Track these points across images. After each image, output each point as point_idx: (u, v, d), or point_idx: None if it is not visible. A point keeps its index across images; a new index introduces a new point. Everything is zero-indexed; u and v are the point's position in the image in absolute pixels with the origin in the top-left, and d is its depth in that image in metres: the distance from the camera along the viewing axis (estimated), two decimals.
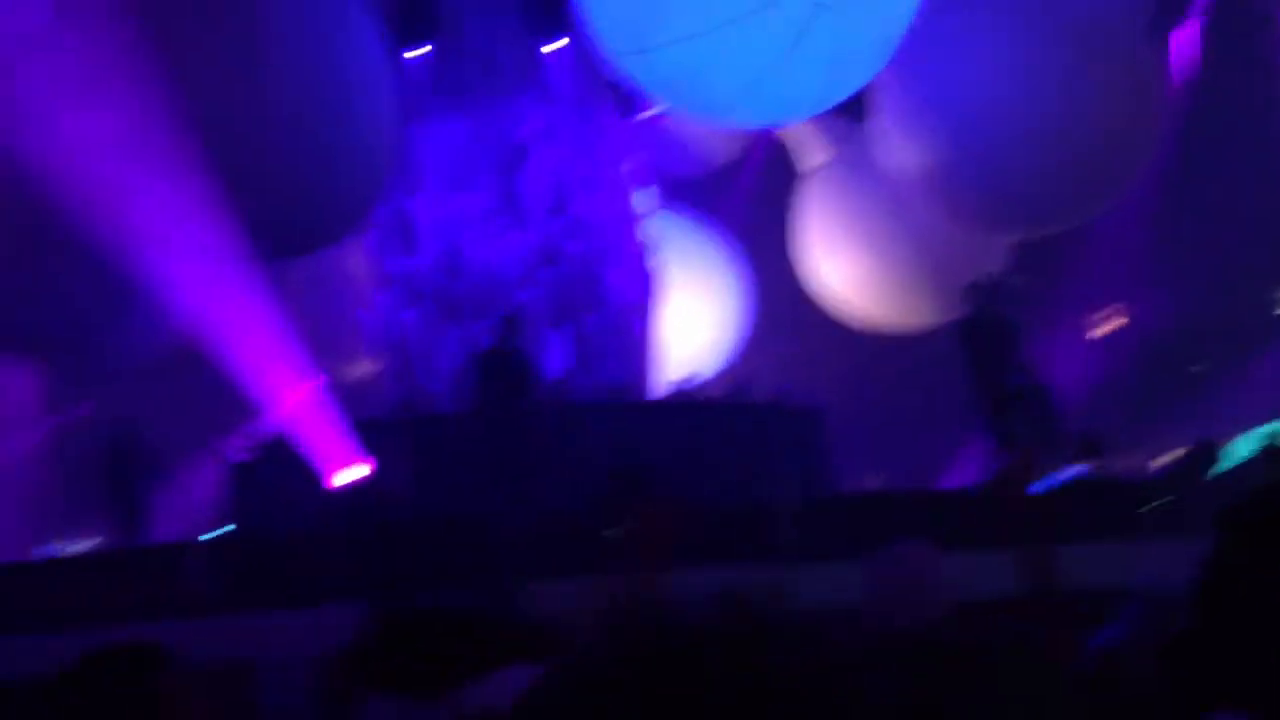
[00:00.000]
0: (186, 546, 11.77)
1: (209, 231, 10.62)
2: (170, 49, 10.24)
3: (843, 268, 17.73)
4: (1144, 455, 17.17)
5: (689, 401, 16.31)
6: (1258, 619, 1.53)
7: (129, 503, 14.14)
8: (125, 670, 2.50)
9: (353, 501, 12.54)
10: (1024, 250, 16.89)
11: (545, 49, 15.92)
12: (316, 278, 17.31)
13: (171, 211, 10.39)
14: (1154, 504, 10.44)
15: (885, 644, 0.75)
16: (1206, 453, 12.32)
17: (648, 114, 17.23)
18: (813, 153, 18.44)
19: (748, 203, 20.73)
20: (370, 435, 13.30)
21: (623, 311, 15.87)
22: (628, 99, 16.20)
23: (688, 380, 17.07)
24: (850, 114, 15.80)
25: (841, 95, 12.50)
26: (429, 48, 15.78)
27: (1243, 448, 13.52)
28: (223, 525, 14.36)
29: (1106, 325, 21.78)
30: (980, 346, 12.00)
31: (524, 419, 12.57)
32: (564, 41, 15.66)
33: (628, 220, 16.42)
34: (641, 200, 16.76)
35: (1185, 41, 17.94)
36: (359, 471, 13.04)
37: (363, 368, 17.11)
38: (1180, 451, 13.75)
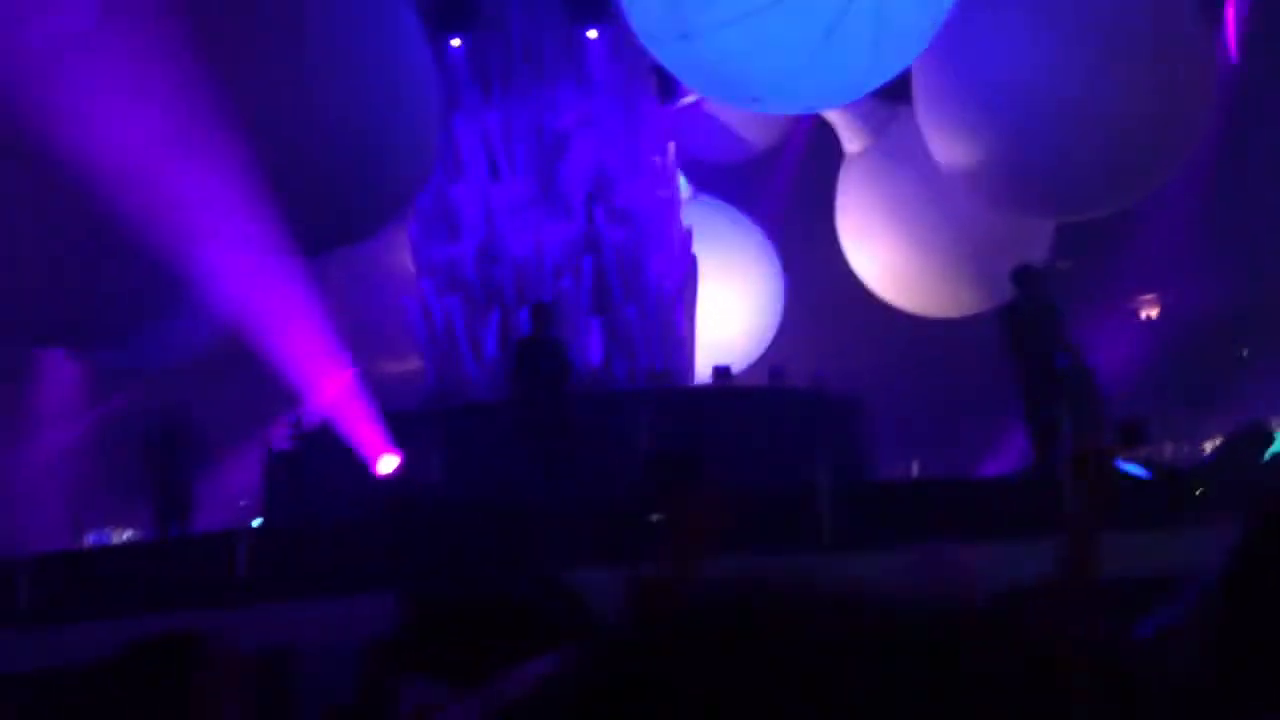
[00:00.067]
0: (228, 535, 11.86)
1: (252, 223, 10.67)
2: (214, 42, 10.29)
3: (882, 254, 17.63)
4: (1190, 439, 17.02)
5: (727, 389, 16.28)
6: None
7: (175, 489, 14.26)
8: (167, 659, 2.50)
9: (393, 490, 12.60)
10: (1069, 234, 16.75)
11: (585, 36, 15.92)
12: (359, 271, 17.37)
13: (216, 205, 10.45)
14: (1203, 488, 10.32)
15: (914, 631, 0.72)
16: (1258, 435, 12.13)
17: (687, 101, 17.19)
18: (851, 139, 18.33)
19: (786, 190, 20.65)
20: (409, 424, 13.36)
21: (662, 299, 15.86)
22: (667, 86, 16.17)
23: (725, 367, 17.03)
24: (890, 99, 15.70)
25: (880, 80, 12.41)
26: (470, 36, 15.80)
27: None
28: (263, 514, 14.47)
29: (1152, 309, 21.58)
30: (1024, 331, 11.89)
31: (562, 406, 12.58)
32: (603, 29, 15.65)
33: (667, 208, 16.41)
34: (680, 188, 16.74)
35: (1232, 25, 17.71)
36: (399, 460, 13.11)
37: (406, 362, 17.18)
38: (1227, 435, 13.59)
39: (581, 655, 0.72)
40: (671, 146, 16.78)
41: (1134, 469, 10.27)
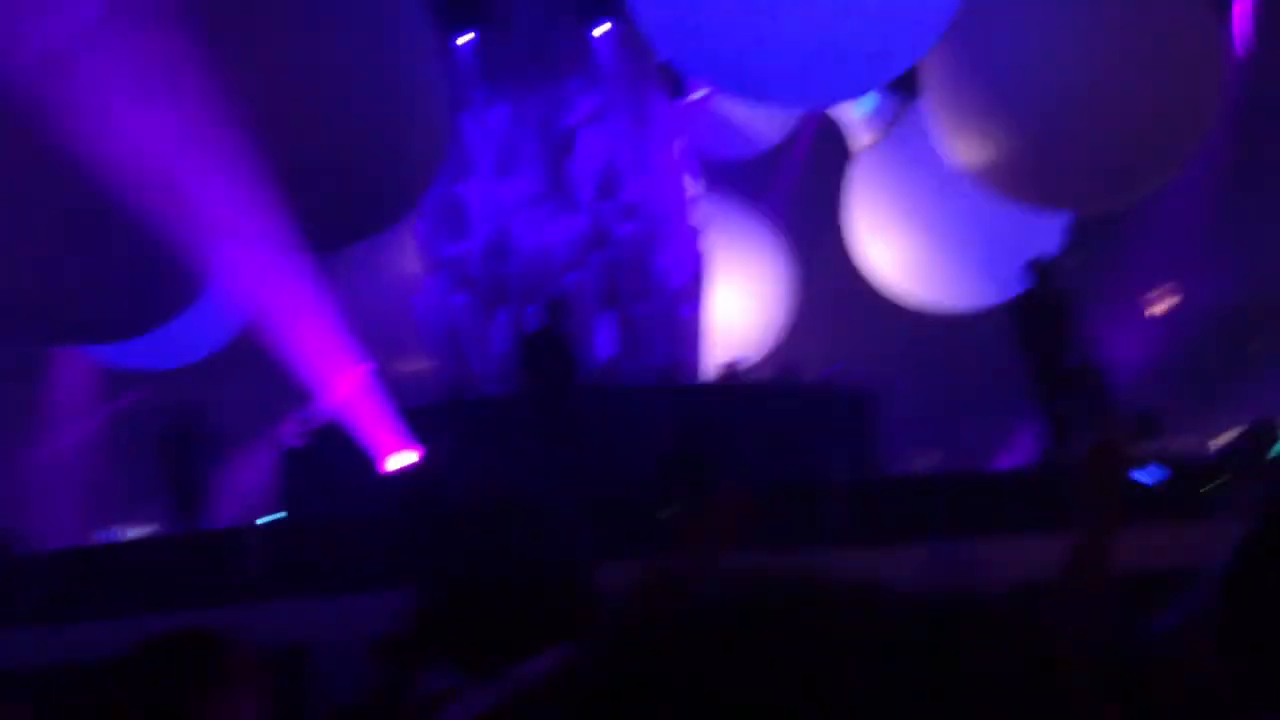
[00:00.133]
0: (242, 531, 11.88)
1: (263, 220, 10.69)
2: (227, 39, 10.32)
3: (892, 248, 17.59)
4: (1202, 435, 16.96)
5: (738, 384, 16.26)
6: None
7: (190, 485, 14.29)
8: (182, 656, 2.52)
9: (405, 486, 12.61)
10: (1081, 228, 16.70)
11: (594, 32, 15.91)
12: (370, 268, 17.39)
13: (227, 202, 10.47)
14: (1214, 484, 10.29)
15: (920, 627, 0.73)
16: (1267, 432, 12.12)
17: (696, 96, 17.17)
18: (861, 133, 18.30)
19: (796, 184, 20.62)
20: (421, 420, 13.36)
21: (672, 295, 15.85)
22: (676, 82, 16.16)
23: (736, 363, 17.02)
24: (900, 92, 15.67)
25: (890, 75, 12.39)
26: (478, 33, 15.80)
27: None
28: (277, 510, 14.49)
29: (1164, 304, 21.51)
30: (1036, 326, 11.88)
31: (572, 402, 12.58)
32: (612, 26, 15.64)
33: (677, 203, 16.39)
34: (690, 183, 16.72)
35: (1245, 14, 17.63)
36: (411, 456, 13.12)
37: (417, 360, 17.19)
38: (1238, 431, 13.56)
39: (583, 654, 0.73)
40: (680, 142, 16.77)
41: (1152, 474, 10.23)
